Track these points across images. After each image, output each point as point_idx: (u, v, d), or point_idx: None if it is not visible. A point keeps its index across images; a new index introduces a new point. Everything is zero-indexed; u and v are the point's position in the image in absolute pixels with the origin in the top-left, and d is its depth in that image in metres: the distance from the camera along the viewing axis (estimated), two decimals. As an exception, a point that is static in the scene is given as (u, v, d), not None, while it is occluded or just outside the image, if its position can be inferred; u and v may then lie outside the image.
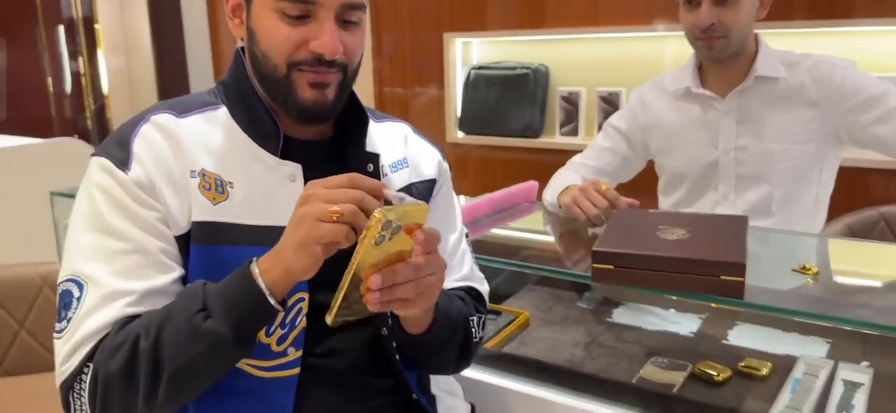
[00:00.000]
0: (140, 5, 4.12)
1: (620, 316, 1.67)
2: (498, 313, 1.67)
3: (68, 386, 0.90)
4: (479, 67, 3.20)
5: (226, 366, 0.90)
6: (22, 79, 3.78)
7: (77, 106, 3.99)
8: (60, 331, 0.91)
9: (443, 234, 1.09)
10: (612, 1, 2.80)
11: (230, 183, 0.98)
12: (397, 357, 1.08)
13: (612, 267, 1.27)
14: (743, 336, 1.53)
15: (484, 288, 1.24)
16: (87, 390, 0.89)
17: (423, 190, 1.15)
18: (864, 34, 2.45)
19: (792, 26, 2.47)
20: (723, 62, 1.67)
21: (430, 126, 3.36)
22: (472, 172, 3.29)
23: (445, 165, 1.23)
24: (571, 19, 2.93)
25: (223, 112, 1.02)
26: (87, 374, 0.88)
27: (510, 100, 3.07)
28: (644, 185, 1.96)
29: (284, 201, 0.96)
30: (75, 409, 0.91)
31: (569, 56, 3.05)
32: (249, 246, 0.95)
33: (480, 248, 1.45)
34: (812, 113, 1.64)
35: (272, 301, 0.86)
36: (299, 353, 0.99)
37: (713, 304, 1.60)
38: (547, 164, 2.04)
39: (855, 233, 2.24)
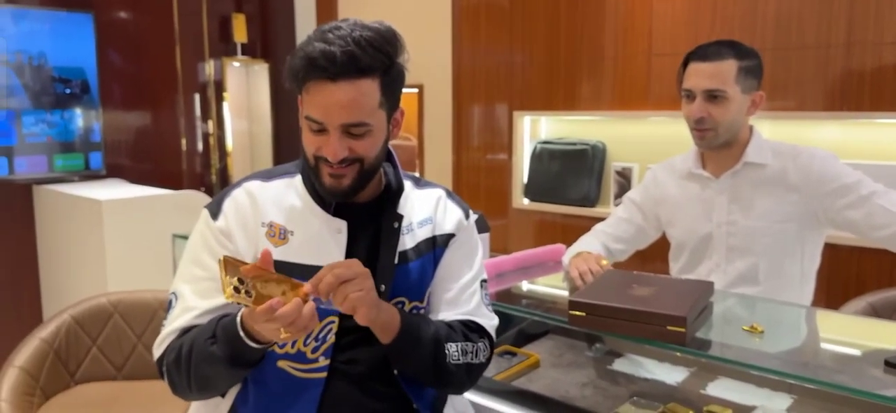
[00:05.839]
0: (263, 77, 4.73)
1: (619, 365, 1.91)
2: (514, 354, 1.96)
3: (159, 362, 1.32)
4: (545, 142, 3.50)
5: (232, 376, 1.26)
6: (161, 137, 4.34)
7: (204, 162, 4.55)
8: (163, 325, 1.33)
9: (456, 275, 1.42)
10: (661, 87, 3.06)
11: (291, 232, 1.32)
12: (397, 372, 1.36)
13: (584, 314, 1.55)
14: (718, 388, 1.74)
15: (488, 323, 1.43)
16: (164, 369, 1.31)
17: (442, 241, 1.42)
18: (871, 125, 2.66)
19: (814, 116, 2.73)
20: (715, 149, 1.92)
21: (499, 191, 3.69)
22: (535, 235, 3.58)
23: (467, 223, 1.46)
24: (627, 102, 3.20)
25: (298, 179, 1.38)
26: (164, 360, 1.30)
27: (570, 172, 3.35)
28: (660, 253, 2.20)
29: (332, 248, 1.31)
30: (163, 375, 1.32)
31: (624, 134, 3.30)
32: (300, 279, 1.27)
33: (501, 296, 1.77)
34: (793, 196, 1.85)
35: (251, 343, 1.16)
36: (328, 361, 1.32)
37: (703, 360, 1.82)
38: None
39: (877, 311, 2.33)
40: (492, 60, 3.67)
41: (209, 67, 4.48)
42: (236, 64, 4.62)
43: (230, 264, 1.10)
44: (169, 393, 1.34)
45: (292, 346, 1.30)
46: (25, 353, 2.28)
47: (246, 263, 1.12)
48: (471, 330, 1.41)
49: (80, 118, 3.93)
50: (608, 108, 3.27)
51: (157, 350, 1.32)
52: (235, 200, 1.35)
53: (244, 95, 4.79)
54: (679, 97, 1.95)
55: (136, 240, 3.24)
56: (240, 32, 4.49)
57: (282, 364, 1.31)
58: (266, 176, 1.39)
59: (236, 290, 1.09)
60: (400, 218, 1.38)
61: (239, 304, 1.11)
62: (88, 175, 3.97)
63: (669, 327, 1.44)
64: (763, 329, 1.51)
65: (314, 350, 1.32)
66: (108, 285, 3.15)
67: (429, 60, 3.90)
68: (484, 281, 1.47)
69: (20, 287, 3.87)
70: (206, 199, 3.66)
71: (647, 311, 1.45)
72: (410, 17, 3.95)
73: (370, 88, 1.23)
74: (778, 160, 1.88)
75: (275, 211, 1.34)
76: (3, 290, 3.81)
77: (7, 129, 3.68)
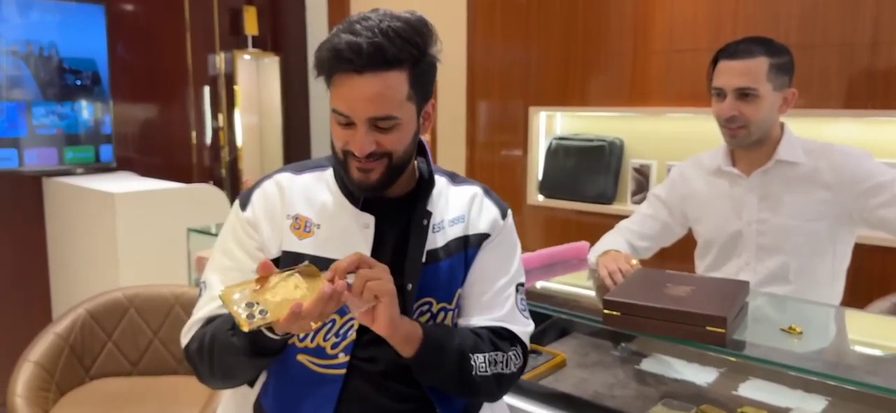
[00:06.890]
0: (273, 70, 4.69)
1: (647, 364, 1.88)
2: (538, 353, 1.92)
3: (185, 350, 1.32)
4: (560, 138, 3.46)
5: (253, 366, 1.24)
6: (171, 131, 4.31)
7: (214, 156, 4.52)
8: (192, 313, 1.33)
9: (491, 278, 1.36)
10: (680, 83, 3.03)
11: (317, 225, 1.30)
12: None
13: (619, 314, 1.53)
14: (750, 389, 1.71)
15: (521, 329, 1.36)
16: (189, 357, 1.31)
17: (474, 241, 1.37)
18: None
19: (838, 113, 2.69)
20: (747, 147, 1.88)
21: (513, 188, 3.64)
22: (549, 232, 3.55)
23: (504, 223, 1.38)
24: (645, 98, 3.16)
25: (329, 173, 1.35)
26: (190, 349, 1.30)
27: (587, 168, 3.31)
28: (686, 250, 2.17)
29: (359, 242, 1.28)
30: (190, 363, 1.31)
31: (642, 131, 3.25)
32: (322, 272, 1.28)
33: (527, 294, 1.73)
34: (826, 195, 1.82)
35: (270, 334, 1.14)
36: (347, 358, 1.29)
37: (731, 359, 1.79)
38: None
39: (901, 311, 2.31)
40: (507, 55, 3.63)
41: (220, 60, 4.44)
42: (247, 57, 4.58)
43: (230, 293, 1.11)
44: (185, 388, 1.32)
45: (311, 341, 1.28)
46: (40, 347, 2.25)
47: (247, 282, 1.13)
48: (501, 338, 1.35)
49: (90, 110, 3.89)
50: (626, 104, 3.22)
51: (184, 338, 1.32)
52: (264, 192, 1.34)
53: (254, 89, 4.75)
54: (708, 94, 1.92)
55: (150, 234, 3.21)
56: (251, 25, 4.45)
57: (301, 358, 1.29)
58: (298, 168, 1.38)
59: (250, 317, 1.09)
60: (429, 215, 1.34)
61: (261, 327, 1.10)
62: (98, 167, 3.93)
63: (709, 328, 1.41)
64: (801, 330, 1.48)
65: (334, 346, 1.29)
66: (119, 280, 3.12)
67: (443, 55, 3.84)
68: (521, 284, 1.41)
69: (29, 281, 3.84)
70: (221, 194, 3.67)
71: (685, 312, 1.43)
72: (424, 10, 3.83)
73: (398, 81, 1.19)
74: (810, 158, 1.85)
75: (302, 203, 1.32)
76: (13, 284, 3.77)
77: (17, 120, 3.64)
